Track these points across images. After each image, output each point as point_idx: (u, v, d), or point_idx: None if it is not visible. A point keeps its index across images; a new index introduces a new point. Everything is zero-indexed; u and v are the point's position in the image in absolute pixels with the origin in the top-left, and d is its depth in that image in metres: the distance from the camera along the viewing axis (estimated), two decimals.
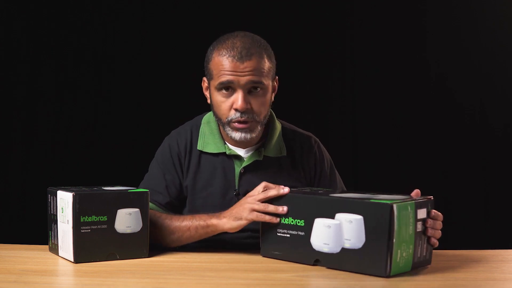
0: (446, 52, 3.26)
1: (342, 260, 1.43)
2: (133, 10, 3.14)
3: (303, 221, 1.50)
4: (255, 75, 1.68)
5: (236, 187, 1.78)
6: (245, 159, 1.80)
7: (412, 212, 1.40)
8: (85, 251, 1.49)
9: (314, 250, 1.48)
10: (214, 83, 1.72)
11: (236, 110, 1.70)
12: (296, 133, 1.91)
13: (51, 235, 1.59)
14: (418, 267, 1.45)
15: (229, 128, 1.73)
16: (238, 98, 1.69)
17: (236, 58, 1.67)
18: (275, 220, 1.55)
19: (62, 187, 1.59)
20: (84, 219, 1.48)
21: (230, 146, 1.81)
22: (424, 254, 1.46)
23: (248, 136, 1.73)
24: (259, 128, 1.75)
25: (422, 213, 1.43)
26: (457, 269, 1.49)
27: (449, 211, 3.25)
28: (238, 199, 1.73)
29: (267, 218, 1.56)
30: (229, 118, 1.72)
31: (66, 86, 3.11)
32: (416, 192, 1.52)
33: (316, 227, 1.48)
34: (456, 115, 3.28)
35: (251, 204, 1.58)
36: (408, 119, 3.26)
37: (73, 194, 1.47)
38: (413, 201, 1.41)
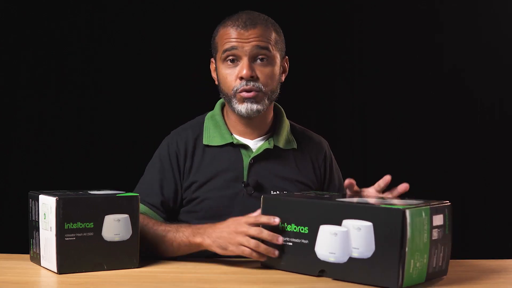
0: (462, 45, 3.26)
1: (349, 271, 1.38)
2: (133, 9, 3.13)
3: (307, 228, 1.45)
4: (260, 41, 1.72)
5: (245, 178, 1.77)
6: (254, 150, 1.79)
7: (427, 219, 1.35)
8: (69, 260, 1.44)
9: (319, 260, 1.43)
10: (219, 54, 1.76)
11: (241, 78, 1.72)
12: (306, 131, 1.93)
13: (33, 244, 1.54)
14: (433, 278, 1.40)
15: (236, 101, 1.74)
16: (243, 66, 1.72)
17: (240, 26, 1.72)
18: (262, 258, 1.51)
19: (45, 191, 1.53)
20: (68, 225, 1.43)
21: (237, 137, 1.81)
22: (440, 264, 1.41)
23: (255, 107, 1.73)
24: (266, 102, 1.76)
25: (438, 220, 1.39)
26: (476, 280, 1.45)
27: (467, 217, 3.25)
28: (247, 191, 1.75)
29: (255, 256, 1.51)
30: (235, 89, 1.73)
31: (49, 84, 3.08)
32: (404, 187, 1.51)
33: (321, 234, 1.43)
34: (474, 113, 3.26)
35: (240, 237, 1.51)
36: (423, 117, 3.24)
37: (56, 199, 1.42)
38: (428, 206, 1.36)
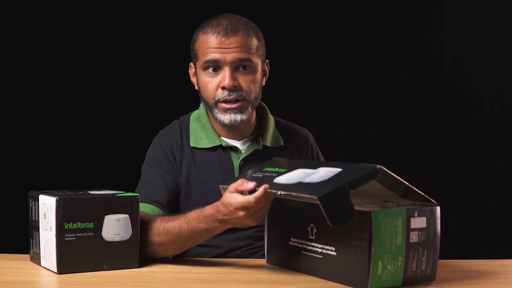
0: (463, 45, 3.26)
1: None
2: (128, 6, 3.13)
3: None
4: (242, 51, 1.70)
5: None
6: (242, 151, 1.79)
7: (402, 220, 1.34)
8: (69, 261, 1.44)
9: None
10: (200, 63, 1.74)
11: (223, 88, 1.71)
12: (290, 125, 1.93)
13: (33, 244, 1.55)
14: (413, 282, 1.37)
15: (217, 110, 1.73)
16: (225, 76, 1.70)
17: (221, 34, 1.70)
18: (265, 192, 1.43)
19: (45, 191, 1.54)
20: (68, 226, 1.44)
21: (225, 139, 1.80)
22: (423, 268, 1.38)
23: (238, 118, 1.73)
24: (249, 110, 1.75)
25: (418, 222, 1.37)
26: (476, 280, 1.45)
27: (467, 217, 3.25)
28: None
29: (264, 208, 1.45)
30: (217, 98, 1.72)
31: (50, 83, 3.08)
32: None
33: None
34: (474, 112, 3.27)
35: (249, 220, 1.46)
36: (424, 117, 3.25)
37: (56, 199, 1.43)
38: (404, 208, 1.36)
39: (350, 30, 3.30)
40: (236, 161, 1.78)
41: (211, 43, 1.71)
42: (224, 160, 1.78)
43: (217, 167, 1.78)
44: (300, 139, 1.91)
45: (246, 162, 1.78)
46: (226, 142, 1.79)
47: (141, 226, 1.58)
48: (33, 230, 1.55)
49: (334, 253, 1.39)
